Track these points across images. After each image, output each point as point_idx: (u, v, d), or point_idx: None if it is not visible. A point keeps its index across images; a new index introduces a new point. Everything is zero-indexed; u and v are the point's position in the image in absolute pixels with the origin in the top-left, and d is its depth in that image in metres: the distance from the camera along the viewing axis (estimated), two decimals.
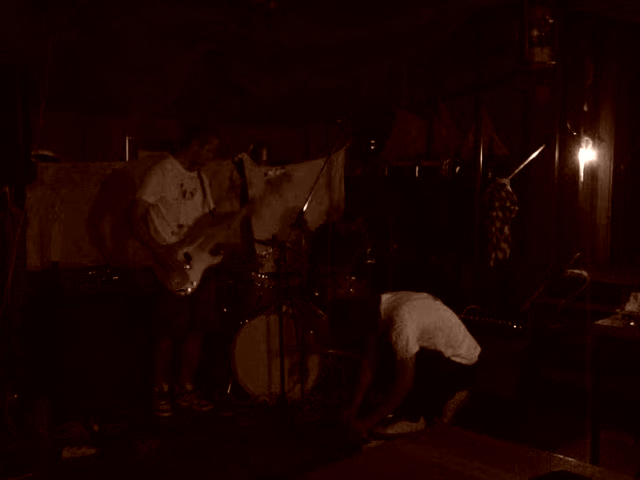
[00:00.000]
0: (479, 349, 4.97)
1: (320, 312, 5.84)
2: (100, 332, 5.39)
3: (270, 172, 5.69)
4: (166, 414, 5.37)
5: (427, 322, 4.81)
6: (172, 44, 5.50)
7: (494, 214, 6.00)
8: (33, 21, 4.75)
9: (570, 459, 2.65)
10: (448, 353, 4.84)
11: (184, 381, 5.61)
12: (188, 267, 5.31)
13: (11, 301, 5.15)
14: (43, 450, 4.70)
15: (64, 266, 5.66)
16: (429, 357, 4.78)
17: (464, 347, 4.89)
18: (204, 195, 5.50)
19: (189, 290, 5.33)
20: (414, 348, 4.71)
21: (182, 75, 5.88)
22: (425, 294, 5.05)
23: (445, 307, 5.04)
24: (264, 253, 6.19)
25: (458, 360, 4.85)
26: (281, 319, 5.22)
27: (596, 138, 6.21)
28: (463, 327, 5.00)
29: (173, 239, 5.31)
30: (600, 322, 4.35)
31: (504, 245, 6.03)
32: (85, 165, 5.97)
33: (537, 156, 6.06)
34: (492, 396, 5.18)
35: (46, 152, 5.73)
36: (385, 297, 4.96)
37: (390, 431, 4.84)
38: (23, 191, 5.38)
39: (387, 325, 4.82)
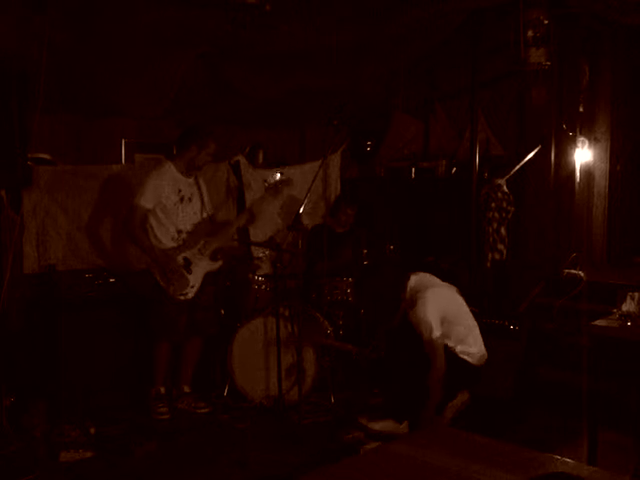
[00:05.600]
0: (486, 355, 4.99)
1: (317, 314, 5.83)
2: (97, 335, 5.38)
3: (270, 179, 5.66)
4: (163, 417, 5.36)
5: (448, 311, 4.86)
6: (167, 46, 5.49)
7: (490, 215, 6.00)
8: (28, 24, 4.74)
9: (567, 460, 2.64)
10: (458, 349, 4.85)
11: (182, 384, 5.61)
12: (188, 272, 5.31)
13: (8, 304, 5.16)
14: (40, 453, 4.69)
15: (61, 269, 5.65)
16: None
17: (475, 347, 4.91)
18: (202, 201, 5.49)
19: (189, 295, 5.34)
20: (438, 330, 4.73)
21: (177, 77, 5.88)
22: (452, 285, 5.10)
23: (466, 304, 5.06)
24: (261, 255, 6.19)
25: (466, 358, 4.86)
26: (278, 321, 5.21)
27: (592, 138, 6.22)
28: (478, 329, 5.03)
29: (172, 244, 5.31)
30: (597, 322, 4.36)
31: (500, 246, 6.04)
32: (82, 168, 5.95)
33: (533, 157, 6.07)
34: (489, 397, 5.19)
35: (42, 155, 5.72)
36: (414, 277, 5.04)
37: (375, 427, 4.86)
38: (19, 194, 5.38)
39: (409, 305, 4.85)
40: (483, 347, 4.99)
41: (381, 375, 5.38)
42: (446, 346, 4.82)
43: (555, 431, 4.89)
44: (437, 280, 5.10)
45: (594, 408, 4.27)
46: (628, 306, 4.39)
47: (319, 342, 5.47)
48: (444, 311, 4.83)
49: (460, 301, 5.05)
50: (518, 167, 6.09)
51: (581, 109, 6.18)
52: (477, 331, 5.00)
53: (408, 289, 4.97)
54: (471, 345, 4.90)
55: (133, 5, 4.87)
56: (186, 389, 5.61)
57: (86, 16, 4.89)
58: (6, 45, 4.80)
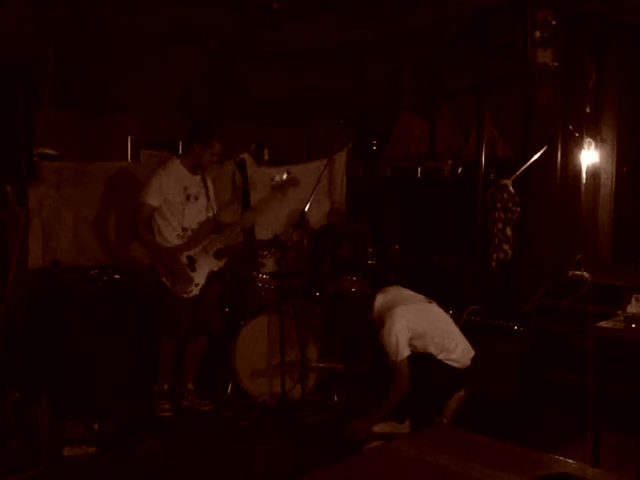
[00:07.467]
0: (472, 353, 4.95)
1: (321, 312, 5.83)
2: (101, 331, 5.37)
3: (277, 177, 5.64)
4: (167, 413, 5.37)
5: (419, 327, 4.79)
6: (174, 44, 5.51)
7: (496, 215, 5.99)
8: (35, 21, 4.76)
9: (571, 461, 2.63)
10: (440, 356, 4.83)
11: (186, 381, 5.61)
12: (192, 270, 5.31)
13: (12, 300, 5.16)
14: (44, 449, 4.68)
15: (66, 265, 5.65)
16: (421, 360, 4.77)
17: (458, 351, 4.87)
18: (208, 199, 5.48)
19: (193, 293, 5.33)
20: (404, 352, 4.70)
21: (183, 75, 5.89)
22: (421, 297, 5.05)
23: (441, 311, 5.03)
24: (265, 253, 6.18)
25: (451, 363, 4.84)
26: (282, 319, 5.21)
27: (598, 140, 6.21)
28: (458, 331, 4.99)
29: (178, 242, 5.30)
30: (601, 324, 4.35)
31: (506, 246, 6.03)
32: (88, 164, 5.93)
33: (539, 157, 6.06)
34: (493, 397, 5.18)
35: (48, 151, 5.72)
36: (380, 296, 4.97)
37: (376, 429, 4.86)
38: (25, 190, 5.38)
39: (379, 325, 4.82)
40: (467, 347, 4.94)
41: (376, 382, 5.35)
42: (430, 354, 4.81)
43: (559, 432, 4.88)
44: (407, 293, 5.05)
45: (598, 409, 4.25)
46: (633, 308, 4.39)
47: (309, 366, 5.42)
48: (415, 327, 4.77)
49: (434, 312, 5.00)
50: (524, 168, 6.08)
51: (587, 110, 6.18)
52: (458, 336, 4.95)
53: (375, 310, 4.93)
54: (453, 351, 4.85)
55: (139, 2, 4.88)
56: (190, 386, 5.60)
57: (93, 13, 4.90)
58: (13, 41, 4.81)
